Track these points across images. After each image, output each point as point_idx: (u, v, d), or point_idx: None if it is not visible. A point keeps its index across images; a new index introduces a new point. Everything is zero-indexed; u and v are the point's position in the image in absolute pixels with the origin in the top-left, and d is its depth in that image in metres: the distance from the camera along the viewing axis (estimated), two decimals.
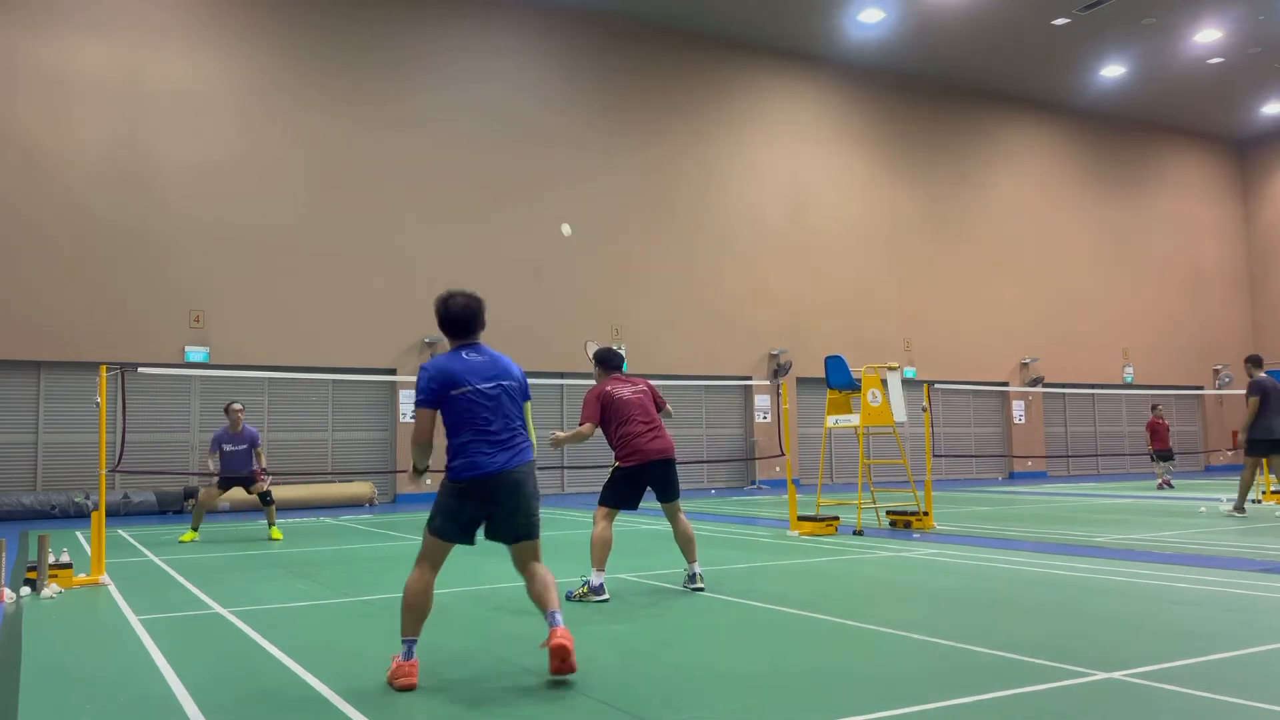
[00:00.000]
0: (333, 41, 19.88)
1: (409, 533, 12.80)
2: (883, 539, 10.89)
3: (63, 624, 6.45)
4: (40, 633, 6.11)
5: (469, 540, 4.92)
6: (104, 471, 8.58)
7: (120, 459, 10.27)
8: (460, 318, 5.07)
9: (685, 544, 7.37)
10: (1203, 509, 13.92)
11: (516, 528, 4.88)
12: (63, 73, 17.68)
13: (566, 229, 10.71)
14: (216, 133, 18.75)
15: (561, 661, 4.57)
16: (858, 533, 11.41)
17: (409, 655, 4.64)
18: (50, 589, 7.56)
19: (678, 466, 7.56)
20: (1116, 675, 4.54)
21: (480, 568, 8.97)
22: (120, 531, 13.42)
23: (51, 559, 7.92)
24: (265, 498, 12.26)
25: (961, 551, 9.60)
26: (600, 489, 7.53)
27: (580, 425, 7.42)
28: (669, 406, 7.74)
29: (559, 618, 4.75)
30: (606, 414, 7.45)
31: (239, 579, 8.44)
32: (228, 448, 12.02)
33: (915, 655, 5.10)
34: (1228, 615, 6.06)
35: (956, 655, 5.06)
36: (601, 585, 6.98)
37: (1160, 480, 20.47)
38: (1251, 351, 32.10)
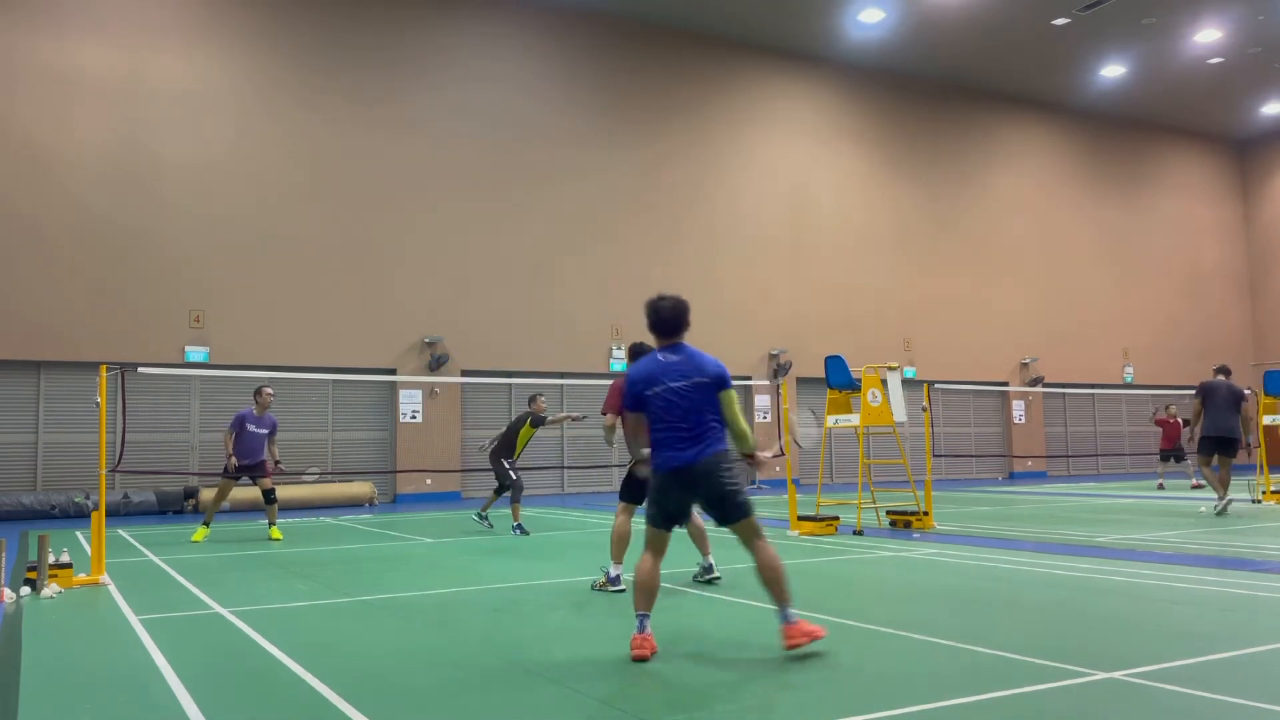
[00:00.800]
0: (333, 42, 19.88)
1: (409, 533, 12.80)
2: (883, 539, 10.89)
3: (63, 624, 6.45)
4: (40, 633, 6.11)
5: (678, 524, 5.45)
6: (104, 471, 8.58)
7: (120, 459, 10.27)
8: (669, 319, 5.48)
9: (698, 538, 7.57)
10: (1202, 509, 13.92)
11: (724, 512, 5.28)
12: (63, 73, 17.67)
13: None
14: (216, 133, 18.75)
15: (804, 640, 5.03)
16: (858, 533, 11.41)
17: (641, 629, 5.09)
18: (50, 589, 7.56)
19: None
20: (1116, 675, 4.54)
21: (481, 568, 8.98)
22: (120, 531, 13.42)
23: (51, 559, 7.92)
24: (269, 495, 12.25)
25: (961, 551, 9.60)
26: (619, 487, 7.67)
27: (604, 415, 7.62)
28: None
29: (788, 613, 5.08)
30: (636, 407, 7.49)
31: (239, 579, 8.44)
32: (250, 428, 12.03)
33: (915, 655, 5.10)
34: (1228, 615, 6.06)
35: (956, 655, 5.06)
36: (618, 577, 7.21)
37: (1160, 481, 20.47)
38: (1251, 351, 32.28)
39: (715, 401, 5.37)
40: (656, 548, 5.33)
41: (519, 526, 12.19)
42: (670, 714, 4.08)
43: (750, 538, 5.24)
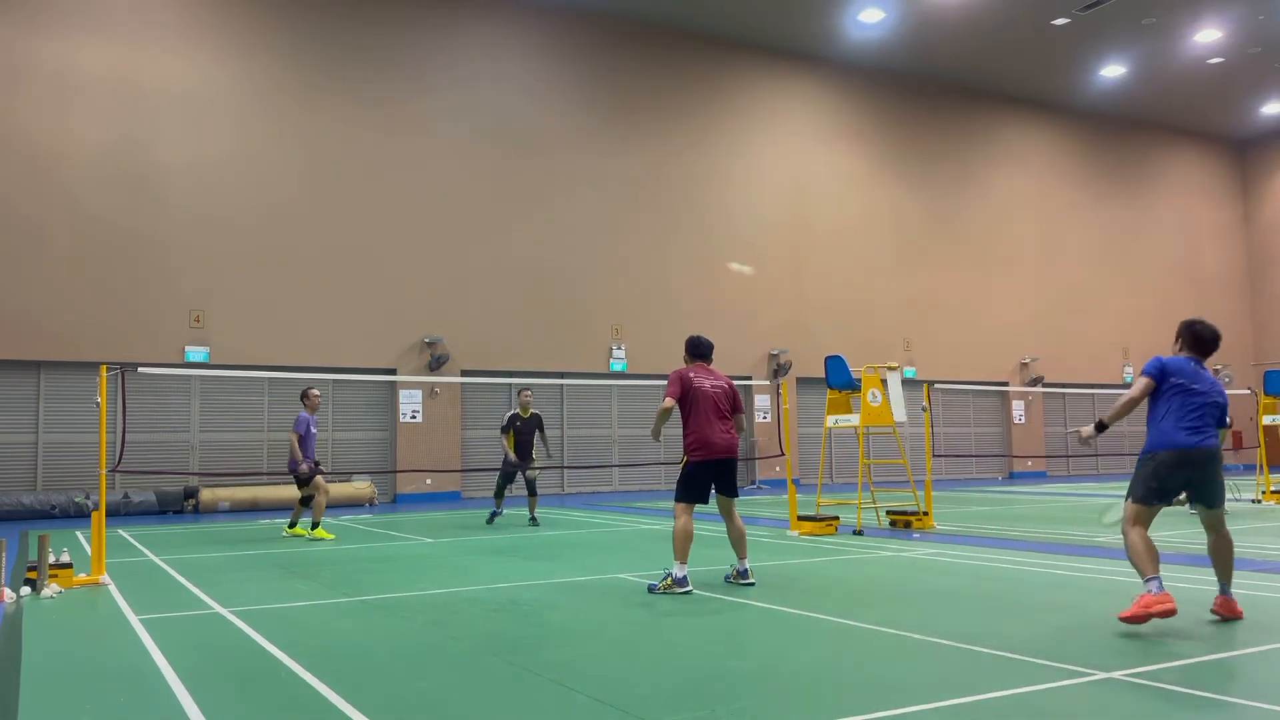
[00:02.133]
0: (333, 42, 19.88)
1: (409, 533, 12.80)
2: (883, 539, 10.89)
3: (63, 624, 6.45)
4: (40, 633, 6.11)
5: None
6: (104, 471, 8.58)
7: (120, 459, 10.26)
8: (1204, 338, 6.04)
9: (737, 541, 7.62)
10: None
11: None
12: (63, 73, 17.67)
13: (741, 268, 11.39)
14: (216, 133, 18.75)
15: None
16: (858, 533, 11.41)
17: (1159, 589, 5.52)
18: (50, 589, 7.56)
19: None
20: (1116, 675, 4.54)
21: (481, 568, 8.98)
22: (120, 531, 13.42)
23: (51, 559, 7.92)
24: (308, 497, 12.36)
25: (962, 551, 9.60)
26: (675, 485, 7.75)
27: (663, 401, 7.58)
28: (743, 417, 7.83)
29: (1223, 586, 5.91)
30: (685, 399, 7.54)
31: (239, 579, 8.44)
32: (314, 429, 12.32)
33: (915, 655, 5.10)
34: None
35: (956, 655, 5.06)
36: (685, 577, 7.19)
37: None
38: (1251, 351, 32.27)
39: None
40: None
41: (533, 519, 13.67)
42: (670, 714, 4.08)
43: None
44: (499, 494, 13.75)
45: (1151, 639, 5.38)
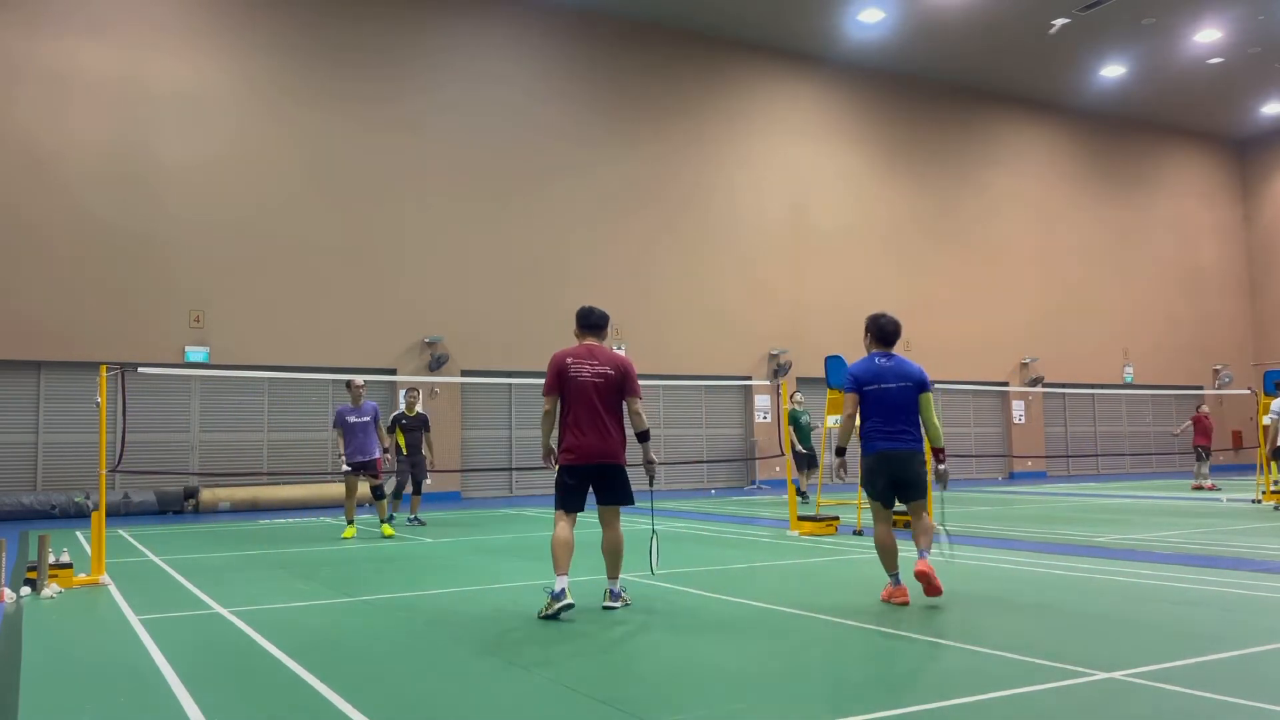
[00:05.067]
0: (333, 41, 19.88)
1: (409, 533, 12.79)
2: None
3: (63, 624, 6.45)
4: (40, 633, 6.11)
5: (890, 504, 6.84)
6: (104, 471, 8.58)
7: (120, 459, 10.27)
8: (888, 330, 6.92)
9: (606, 554, 6.49)
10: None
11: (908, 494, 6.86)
12: (63, 73, 17.67)
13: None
14: (216, 133, 18.75)
15: (928, 585, 6.32)
16: (857, 533, 11.42)
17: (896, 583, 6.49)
18: (50, 589, 7.56)
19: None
20: (1116, 675, 4.54)
21: (481, 568, 8.98)
22: (120, 531, 13.42)
23: (51, 559, 7.92)
24: (378, 492, 12.32)
25: (961, 551, 9.60)
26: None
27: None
28: (641, 407, 6.54)
29: (921, 553, 6.50)
30: (562, 390, 6.45)
31: (239, 579, 8.44)
32: (351, 419, 12.06)
33: (915, 655, 5.10)
34: (1228, 615, 6.06)
35: (956, 655, 5.06)
36: (562, 591, 6.11)
37: (1198, 482, 19.55)
38: (1251, 351, 32.27)
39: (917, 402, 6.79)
40: (883, 518, 6.93)
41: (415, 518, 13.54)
42: (670, 714, 4.08)
43: (917, 513, 6.94)
44: (398, 494, 13.74)
45: (1152, 639, 5.38)
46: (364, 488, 13.84)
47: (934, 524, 6.91)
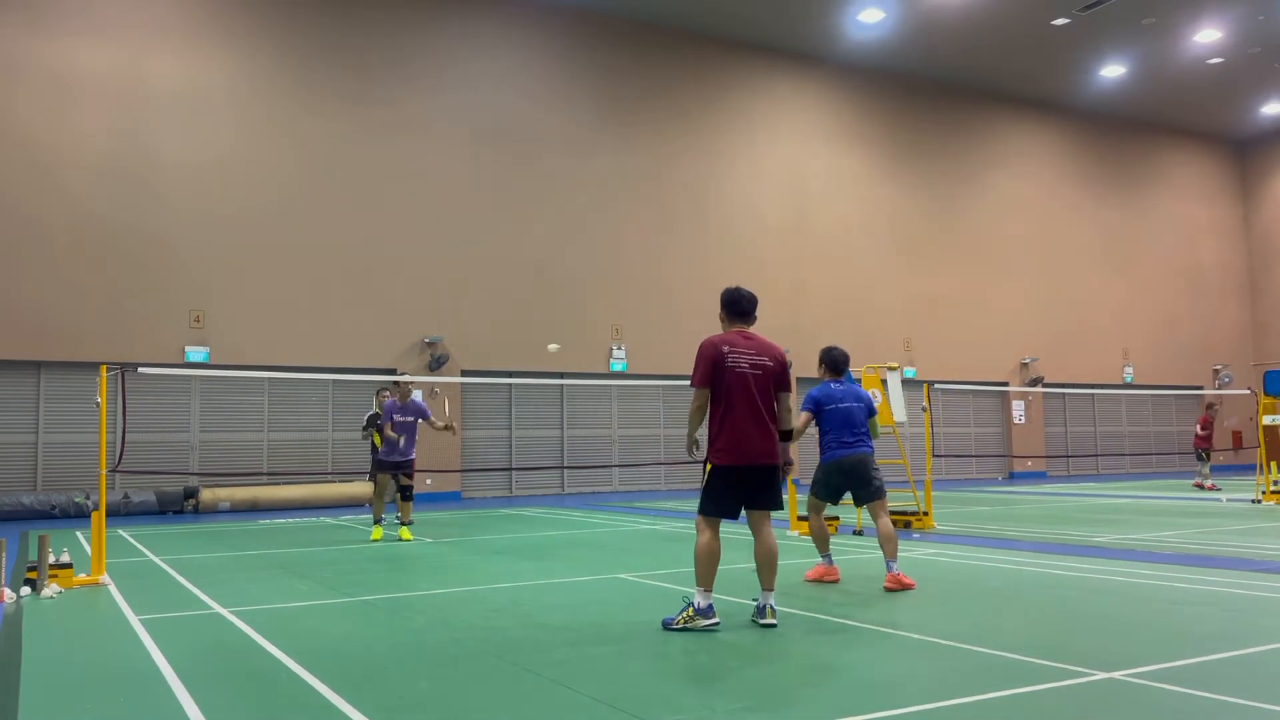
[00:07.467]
0: (333, 42, 19.88)
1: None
2: None
3: (63, 624, 6.45)
4: (40, 633, 6.11)
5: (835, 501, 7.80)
6: (104, 471, 8.58)
7: (120, 459, 10.26)
8: (839, 361, 7.85)
9: (763, 565, 5.95)
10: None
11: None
12: (63, 73, 17.67)
13: (554, 347, 11.64)
14: (216, 132, 18.75)
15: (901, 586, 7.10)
16: (857, 533, 11.42)
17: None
18: (50, 589, 7.56)
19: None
20: (1116, 675, 4.54)
21: (481, 568, 8.98)
22: (120, 531, 13.42)
23: (51, 559, 7.92)
24: (406, 492, 12.23)
25: (961, 551, 9.60)
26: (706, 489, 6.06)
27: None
28: (787, 396, 6.01)
29: (889, 565, 7.23)
30: (715, 383, 5.86)
31: (239, 579, 8.44)
32: (397, 417, 12.03)
33: (915, 655, 5.10)
34: (1228, 615, 6.06)
35: (956, 655, 5.06)
36: (709, 607, 5.75)
37: (1200, 481, 19.48)
38: (1251, 351, 32.27)
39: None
40: (817, 508, 7.89)
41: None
42: (670, 714, 4.08)
43: (877, 514, 7.69)
44: (380, 495, 12.95)
45: (1152, 639, 5.38)
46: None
47: (893, 530, 7.57)
